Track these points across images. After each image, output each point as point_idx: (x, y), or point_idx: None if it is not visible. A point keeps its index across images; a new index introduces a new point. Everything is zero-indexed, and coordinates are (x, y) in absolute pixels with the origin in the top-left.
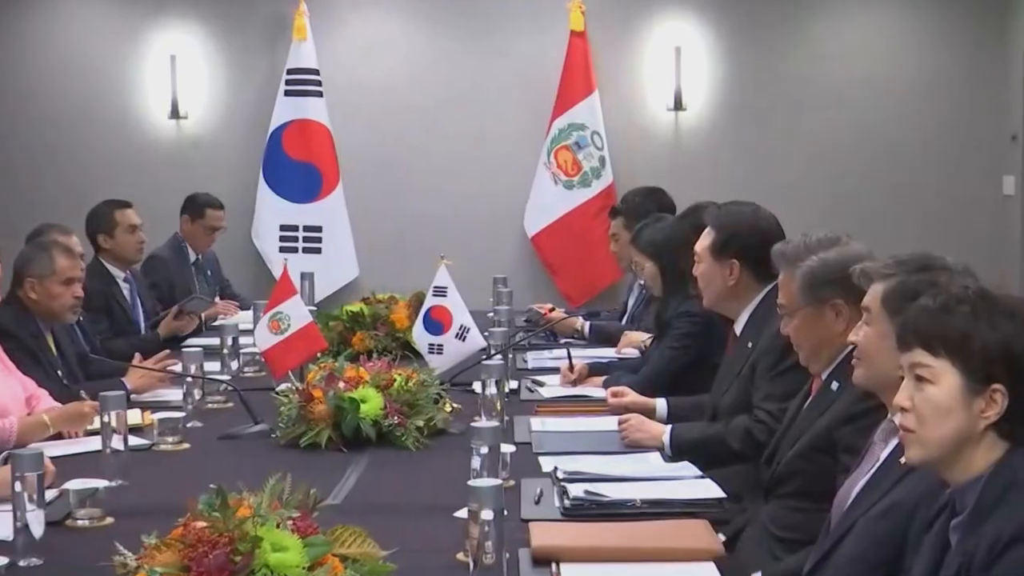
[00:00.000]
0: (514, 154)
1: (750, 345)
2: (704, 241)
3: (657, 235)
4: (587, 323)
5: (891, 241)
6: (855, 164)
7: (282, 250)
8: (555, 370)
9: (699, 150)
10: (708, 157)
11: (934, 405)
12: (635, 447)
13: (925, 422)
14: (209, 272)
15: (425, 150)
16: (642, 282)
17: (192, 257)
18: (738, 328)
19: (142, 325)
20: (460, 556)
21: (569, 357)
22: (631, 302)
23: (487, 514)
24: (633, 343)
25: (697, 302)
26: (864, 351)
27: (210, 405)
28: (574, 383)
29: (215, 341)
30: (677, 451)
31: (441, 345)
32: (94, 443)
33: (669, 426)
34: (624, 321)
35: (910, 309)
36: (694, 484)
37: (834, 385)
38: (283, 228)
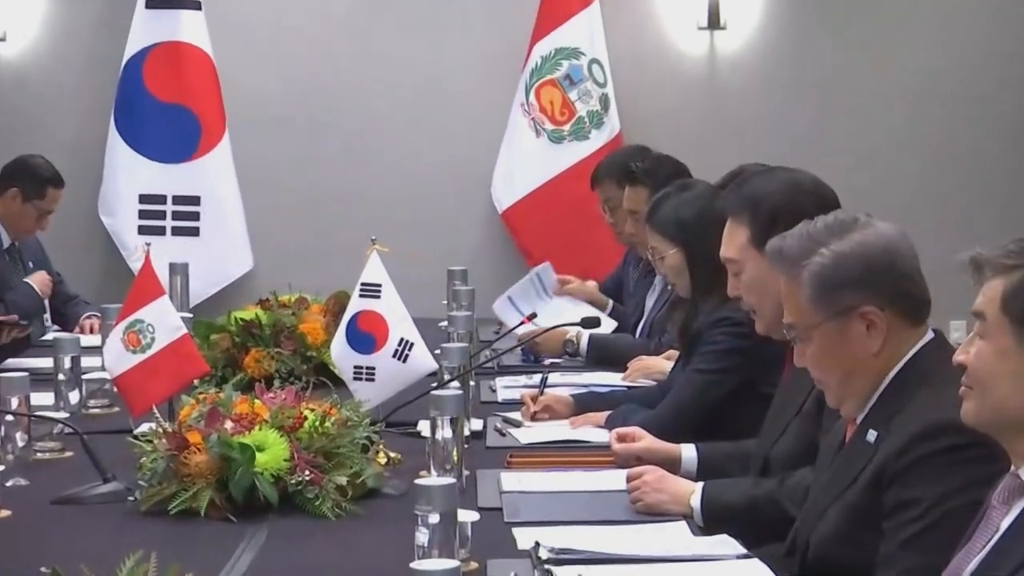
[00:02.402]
0: (478, 92)
1: None
2: (737, 238)
3: (684, 210)
4: (584, 334)
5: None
6: (965, 111)
7: (143, 231)
8: None
9: (743, 86)
10: (756, 97)
11: None
12: (651, 513)
13: None
14: (31, 263)
15: (351, 87)
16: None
17: (5, 242)
18: None
19: None
20: None
21: (543, 382)
22: (650, 303)
23: None
24: (649, 371)
25: (741, 305)
26: (977, 375)
27: (39, 455)
28: (534, 417)
29: (46, 363)
30: (711, 519)
31: (372, 368)
32: None
33: (700, 483)
34: (640, 332)
35: None
36: (736, 567)
37: (871, 435)
38: (144, 199)
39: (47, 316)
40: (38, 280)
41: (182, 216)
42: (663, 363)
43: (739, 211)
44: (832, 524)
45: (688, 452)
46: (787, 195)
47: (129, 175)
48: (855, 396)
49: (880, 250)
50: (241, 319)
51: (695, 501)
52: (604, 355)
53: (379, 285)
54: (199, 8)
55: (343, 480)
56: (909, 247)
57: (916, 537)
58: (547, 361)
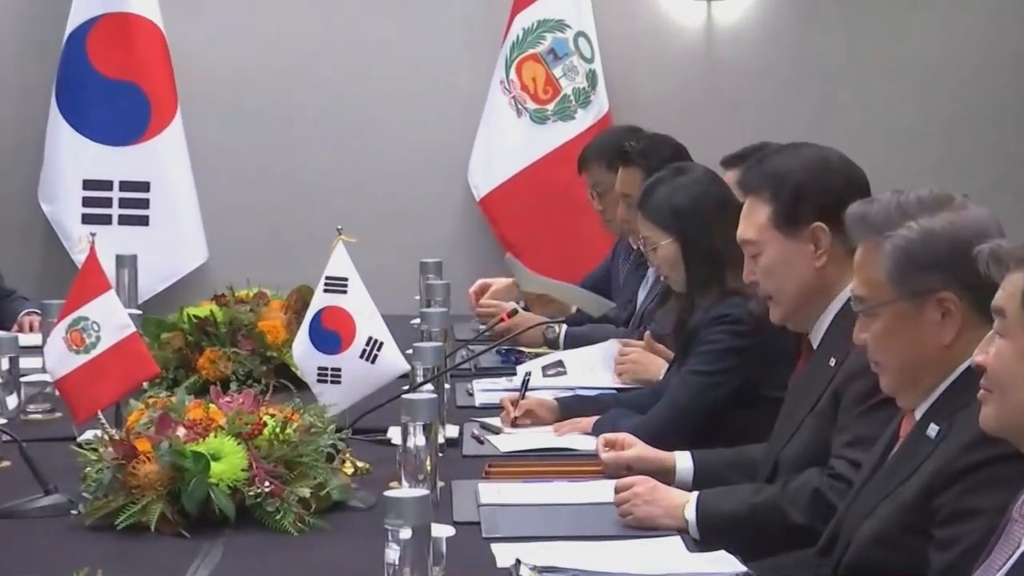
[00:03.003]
0: (453, 69)
1: (833, 362)
2: (756, 218)
3: (679, 196)
4: (564, 329)
5: None
6: (993, 98)
7: (87, 220)
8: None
9: (744, 61)
10: (758, 73)
11: None
12: (642, 528)
13: None
14: None
15: (315, 63)
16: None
17: None
18: (815, 337)
19: None
20: None
21: (524, 384)
22: (642, 296)
23: None
24: (638, 375)
25: (741, 301)
26: (997, 377)
27: None
28: (514, 422)
29: None
30: (708, 532)
31: (338, 370)
32: None
33: (694, 493)
34: (630, 326)
35: None
36: None
37: (932, 430)
38: (89, 185)
39: None
40: None
41: (130, 204)
42: (657, 363)
43: (760, 188)
44: (879, 523)
45: (683, 461)
46: (813, 172)
47: (72, 159)
48: (915, 388)
49: (971, 234)
50: (195, 316)
51: (690, 512)
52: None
53: (345, 279)
54: None
55: (306, 492)
56: (1001, 234)
57: (978, 547)
58: (528, 360)
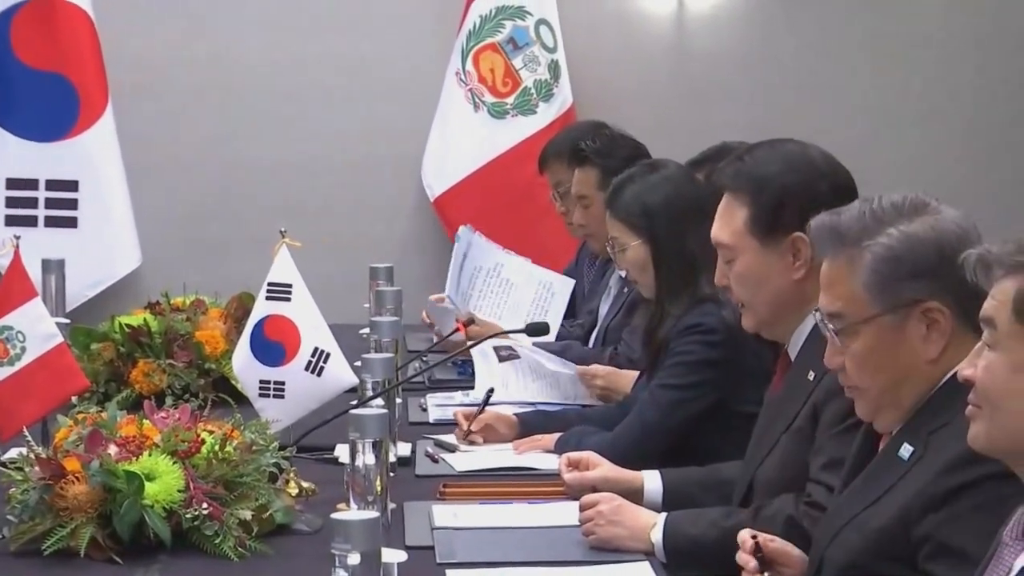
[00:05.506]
0: (405, 60)
1: (812, 376)
2: (733, 221)
3: (651, 195)
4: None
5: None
6: (981, 83)
7: (11, 221)
8: None
9: (717, 51)
10: (732, 63)
11: None
12: (607, 549)
13: None
14: None
15: (257, 54)
16: (623, 274)
17: None
18: (793, 350)
19: None
20: None
21: (486, 398)
22: (604, 310)
23: None
24: (611, 398)
25: (714, 309)
26: (987, 393)
27: None
28: (467, 437)
29: None
30: (675, 555)
31: (282, 383)
32: None
33: (662, 515)
34: (593, 342)
35: None
36: None
37: (906, 451)
38: (12, 184)
39: None
40: None
41: (57, 204)
42: (629, 377)
43: (739, 188)
44: (852, 553)
45: (652, 481)
46: (797, 176)
47: None
48: (896, 408)
49: (955, 238)
50: (127, 325)
51: (656, 535)
52: None
53: (289, 285)
54: None
55: (247, 514)
56: (979, 238)
57: None
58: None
